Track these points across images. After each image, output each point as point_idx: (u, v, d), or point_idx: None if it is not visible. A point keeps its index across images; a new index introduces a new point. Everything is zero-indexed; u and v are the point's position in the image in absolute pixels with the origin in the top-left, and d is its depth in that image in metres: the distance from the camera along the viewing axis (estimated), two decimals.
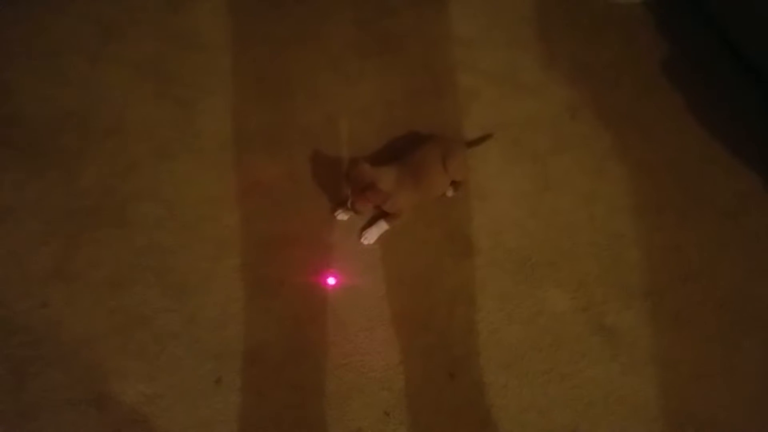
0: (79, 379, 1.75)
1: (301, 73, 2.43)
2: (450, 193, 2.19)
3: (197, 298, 1.91)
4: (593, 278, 2.06)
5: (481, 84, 2.51)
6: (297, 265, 2.00)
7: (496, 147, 2.33)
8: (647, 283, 2.07)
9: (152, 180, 2.11)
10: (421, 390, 1.82)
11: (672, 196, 2.27)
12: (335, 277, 2.00)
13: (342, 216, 2.10)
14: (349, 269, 2.01)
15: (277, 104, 2.33)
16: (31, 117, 2.19)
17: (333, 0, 2.67)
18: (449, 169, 2.10)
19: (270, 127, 2.27)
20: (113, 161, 2.14)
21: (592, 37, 2.74)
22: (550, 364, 1.89)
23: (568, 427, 1.78)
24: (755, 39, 2.54)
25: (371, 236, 2.07)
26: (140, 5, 2.54)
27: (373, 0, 2.69)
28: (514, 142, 2.36)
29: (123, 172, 2.12)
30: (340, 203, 2.12)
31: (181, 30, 2.49)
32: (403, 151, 2.15)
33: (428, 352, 1.89)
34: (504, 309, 1.98)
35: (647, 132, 2.44)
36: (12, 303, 1.85)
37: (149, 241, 1.99)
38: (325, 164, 2.22)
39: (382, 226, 2.07)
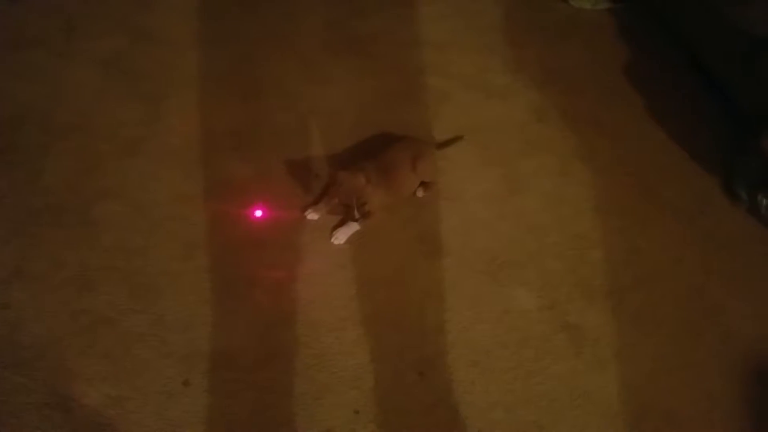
0: (42, 382, 1.70)
1: (271, 73, 2.42)
2: (420, 193, 2.22)
3: (164, 299, 1.88)
4: (558, 278, 2.11)
5: (451, 87, 2.55)
6: (267, 265, 1.99)
7: (465, 149, 2.37)
8: (610, 283, 2.12)
9: (118, 178, 2.08)
10: (391, 388, 1.83)
11: (634, 198, 2.34)
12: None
13: (312, 215, 2.10)
14: (320, 269, 2.01)
15: (246, 103, 2.32)
16: None
17: (304, 1, 2.66)
18: (419, 170, 2.12)
19: (239, 126, 2.26)
20: (78, 159, 2.10)
21: (559, 43, 2.81)
22: (516, 362, 1.92)
23: (534, 423, 1.82)
24: (709, 47, 2.64)
25: (342, 236, 2.08)
26: (106, 0, 2.49)
27: (344, 2, 2.70)
28: (483, 145, 2.41)
29: (88, 170, 2.08)
30: (310, 203, 2.13)
31: (149, 27, 2.45)
32: (374, 151, 2.16)
33: (398, 351, 1.90)
34: (472, 308, 2.01)
35: (611, 135, 2.52)
36: None
37: (115, 240, 1.96)
38: (295, 164, 2.22)
39: (352, 227, 2.08)
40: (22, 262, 1.88)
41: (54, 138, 2.13)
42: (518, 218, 2.24)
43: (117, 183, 2.07)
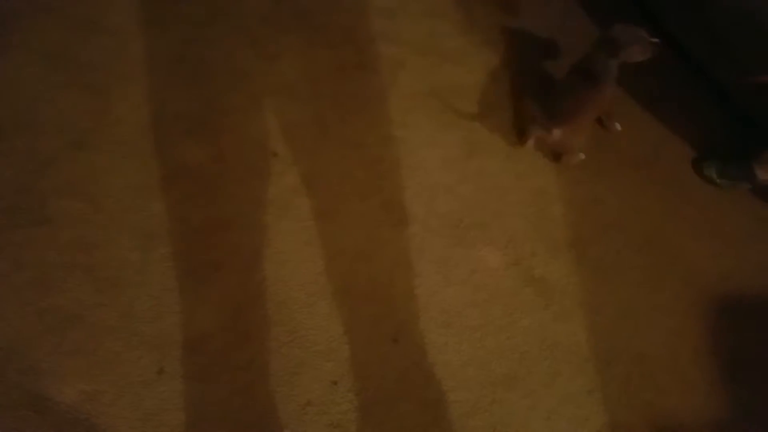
0: (13, 384, 1.69)
1: (219, 53, 2.37)
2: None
3: (130, 290, 1.87)
4: (521, 234, 2.15)
5: (405, 54, 2.53)
6: (230, 248, 1.98)
7: (424, 115, 2.37)
8: (571, 235, 2.17)
9: (71, 174, 2.03)
10: (367, 357, 1.86)
11: (590, 149, 2.37)
12: None
13: (531, 143, 2.26)
14: (285, 248, 2.01)
15: (196, 86, 2.27)
16: None
17: None
18: None
19: (191, 110, 2.21)
20: (27, 157, 2.04)
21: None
22: (486, 319, 1.97)
23: (507, 376, 1.87)
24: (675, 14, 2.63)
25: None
26: None
27: None
28: (440, 110, 2.40)
29: (39, 168, 2.02)
30: (522, 133, 2.28)
31: (87, 15, 2.37)
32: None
33: (371, 320, 1.93)
34: (441, 272, 2.04)
35: None
36: None
37: (74, 236, 1.92)
38: (251, 144, 2.19)
39: None
40: None
41: None
42: (479, 180, 2.26)
43: (70, 178, 2.02)
